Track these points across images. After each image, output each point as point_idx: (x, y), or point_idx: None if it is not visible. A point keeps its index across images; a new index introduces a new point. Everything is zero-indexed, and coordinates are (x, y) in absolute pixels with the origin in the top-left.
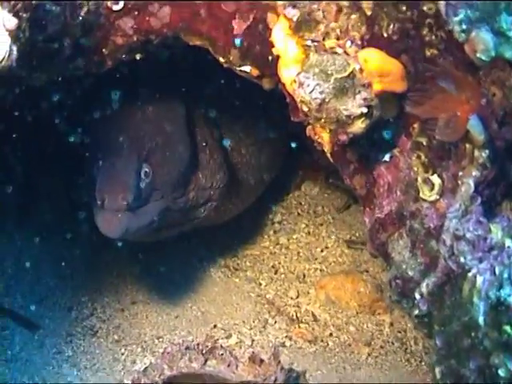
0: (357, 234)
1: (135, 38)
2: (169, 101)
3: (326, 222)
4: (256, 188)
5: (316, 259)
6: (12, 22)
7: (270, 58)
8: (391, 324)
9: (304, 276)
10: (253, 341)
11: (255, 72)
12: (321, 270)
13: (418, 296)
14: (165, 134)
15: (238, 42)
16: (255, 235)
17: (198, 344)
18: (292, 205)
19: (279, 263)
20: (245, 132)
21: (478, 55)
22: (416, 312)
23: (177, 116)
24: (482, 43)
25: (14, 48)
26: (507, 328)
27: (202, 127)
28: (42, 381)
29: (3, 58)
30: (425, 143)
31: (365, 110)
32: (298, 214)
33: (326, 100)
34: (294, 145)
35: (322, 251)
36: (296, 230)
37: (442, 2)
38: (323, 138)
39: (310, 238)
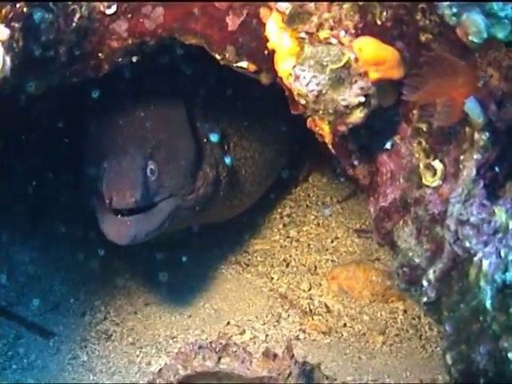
0: (366, 223)
1: (130, 41)
2: (169, 99)
3: (335, 212)
4: (262, 183)
5: (327, 250)
6: (4, 33)
7: (266, 52)
8: (405, 311)
9: (315, 268)
10: (267, 336)
11: (252, 67)
12: (332, 261)
13: (425, 283)
14: (168, 131)
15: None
16: (265, 229)
17: (211, 342)
18: (300, 197)
19: (290, 256)
20: (248, 127)
21: (470, 38)
22: (424, 299)
23: (178, 113)
24: (474, 25)
25: (8, 59)
26: None
27: (203, 124)
28: None
29: None
30: (425, 129)
31: (362, 99)
32: (307, 205)
33: (323, 91)
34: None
35: (332, 242)
36: (305, 222)
37: None
38: (323, 129)
39: (319, 230)
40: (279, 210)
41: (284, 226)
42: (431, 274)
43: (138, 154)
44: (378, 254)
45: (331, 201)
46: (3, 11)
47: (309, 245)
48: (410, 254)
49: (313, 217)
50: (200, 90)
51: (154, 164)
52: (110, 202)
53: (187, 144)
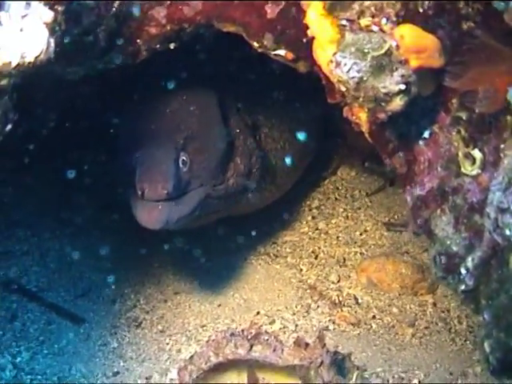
0: (395, 217)
1: (169, 28)
2: (201, 89)
3: (364, 205)
4: (291, 174)
5: (355, 243)
6: (49, 15)
7: (304, 40)
8: (434, 304)
9: (344, 260)
10: (296, 326)
11: (290, 55)
12: (361, 254)
13: (463, 271)
14: (200, 122)
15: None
16: (294, 221)
17: (243, 330)
18: (329, 190)
19: (319, 248)
20: (278, 118)
21: None
22: (462, 287)
23: (210, 104)
24: None
25: (52, 41)
26: None
27: (235, 114)
28: (90, 373)
29: (41, 52)
30: (464, 118)
31: (403, 86)
32: (336, 198)
33: (364, 79)
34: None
35: (361, 235)
36: (334, 214)
37: None
38: (361, 118)
39: (348, 222)
40: (308, 203)
41: (313, 218)
42: (469, 262)
43: (170, 146)
44: (406, 247)
45: (360, 194)
46: None
47: (337, 237)
48: (448, 243)
49: (341, 209)
50: (232, 80)
51: (185, 155)
52: (142, 193)
53: (219, 135)
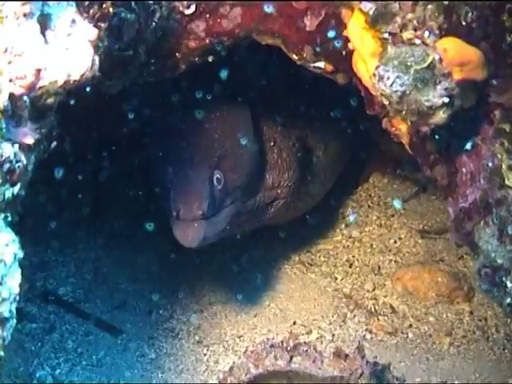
0: (429, 224)
1: (207, 41)
2: (234, 103)
3: (397, 213)
4: (325, 183)
5: (390, 251)
6: (93, 33)
7: (343, 52)
8: (471, 313)
9: (379, 268)
10: (333, 335)
11: (329, 68)
12: (396, 262)
13: (509, 284)
14: (233, 139)
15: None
16: (327, 230)
17: (282, 341)
18: (362, 197)
19: (353, 256)
20: (312, 128)
21: None
22: (508, 300)
23: (243, 119)
24: None
25: (96, 58)
26: None
27: (269, 127)
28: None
29: (87, 69)
30: (508, 130)
31: (446, 99)
32: (369, 206)
33: (407, 92)
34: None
35: (395, 242)
36: (368, 222)
37: None
38: (401, 129)
39: (382, 230)
40: (341, 211)
41: (346, 226)
42: None
43: (204, 164)
44: (441, 255)
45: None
46: (91, 11)
47: (371, 245)
48: (493, 255)
49: (375, 217)
50: (266, 92)
51: (220, 173)
52: (177, 213)
53: (252, 151)
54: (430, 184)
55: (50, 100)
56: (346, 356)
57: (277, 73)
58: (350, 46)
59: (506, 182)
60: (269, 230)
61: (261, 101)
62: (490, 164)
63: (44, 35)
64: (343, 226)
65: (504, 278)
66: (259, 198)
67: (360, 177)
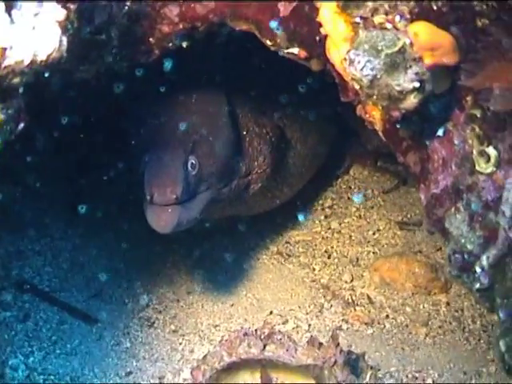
0: (408, 216)
1: (181, 26)
2: (210, 91)
3: (377, 204)
4: (304, 174)
5: (368, 242)
6: (61, 13)
7: (317, 38)
8: (448, 303)
9: (357, 259)
10: (309, 325)
11: (303, 53)
12: (374, 253)
13: (478, 269)
14: (209, 125)
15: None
16: (306, 221)
17: (256, 330)
18: (342, 189)
19: (332, 248)
20: (290, 118)
21: None
22: (477, 286)
23: (219, 106)
24: None
25: (64, 39)
26: None
27: (244, 114)
28: (103, 373)
29: (54, 50)
30: (479, 115)
31: (417, 84)
32: (349, 198)
33: (378, 76)
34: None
35: (374, 234)
36: (347, 213)
37: None
38: (374, 116)
39: (361, 222)
40: (320, 202)
41: (325, 217)
42: (485, 261)
43: (179, 149)
44: (420, 247)
45: (372, 193)
46: None
47: (350, 236)
48: (463, 241)
49: (354, 209)
50: (242, 81)
51: (194, 159)
52: (151, 197)
53: (227, 138)
54: (410, 177)
55: (16, 80)
56: (320, 344)
57: (252, 60)
58: (323, 31)
59: (477, 167)
60: (247, 220)
61: (235, 88)
62: (462, 150)
63: (10, 14)
64: (323, 217)
65: (473, 264)
66: (234, 185)
67: (340, 168)
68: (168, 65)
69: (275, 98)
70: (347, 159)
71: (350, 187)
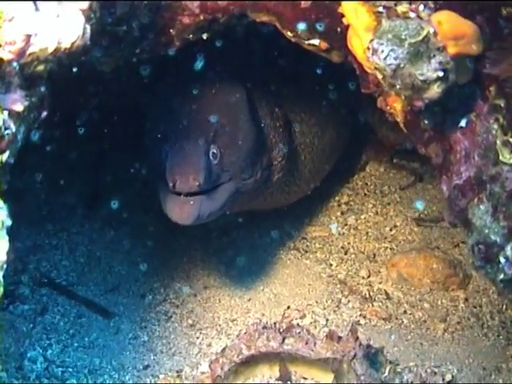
0: (425, 212)
1: (202, 17)
2: (230, 82)
3: (393, 201)
4: (320, 169)
5: (385, 238)
6: (84, 2)
7: (338, 29)
8: (466, 299)
9: (374, 255)
10: (327, 320)
11: (324, 45)
12: (391, 249)
13: (503, 260)
14: (230, 116)
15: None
16: (323, 217)
17: (275, 323)
18: (358, 185)
19: (349, 244)
20: (307, 113)
21: None
22: (501, 276)
23: (240, 97)
24: None
25: (88, 27)
26: None
27: (262, 107)
28: (120, 366)
29: (78, 37)
30: (503, 105)
31: (441, 73)
32: (365, 194)
33: (401, 65)
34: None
35: (390, 230)
36: (364, 210)
37: None
38: (395, 107)
39: (378, 218)
40: (337, 198)
41: (342, 213)
42: (509, 251)
43: (200, 138)
44: (437, 243)
45: (389, 190)
46: None
47: (367, 233)
48: (486, 231)
49: (371, 205)
50: (261, 73)
51: (216, 148)
52: (173, 185)
53: (248, 128)
54: (427, 174)
55: (40, 67)
56: (339, 338)
57: (273, 53)
58: (345, 21)
59: (501, 158)
60: (264, 215)
61: (257, 81)
62: (485, 140)
63: (35, 2)
64: (339, 213)
65: (497, 255)
66: (258, 177)
67: (356, 165)
68: (199, 63)
69: (293, 91)
70: (363, 156)
71: (367, 184)
